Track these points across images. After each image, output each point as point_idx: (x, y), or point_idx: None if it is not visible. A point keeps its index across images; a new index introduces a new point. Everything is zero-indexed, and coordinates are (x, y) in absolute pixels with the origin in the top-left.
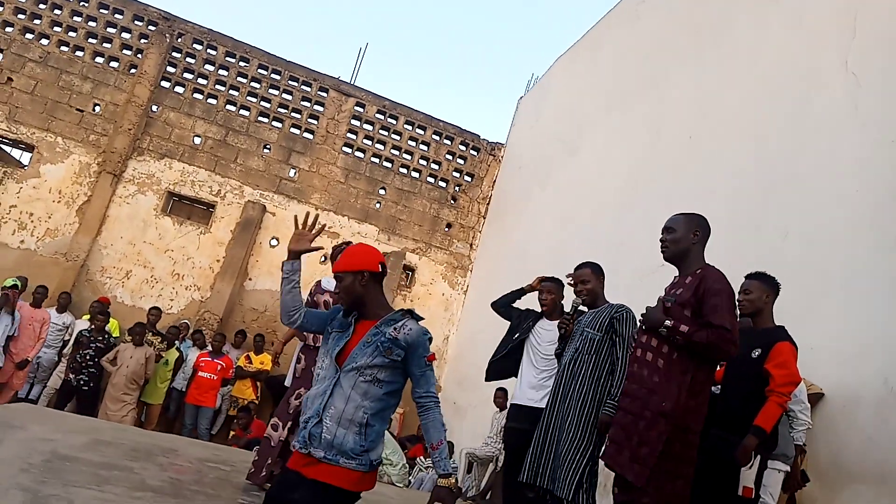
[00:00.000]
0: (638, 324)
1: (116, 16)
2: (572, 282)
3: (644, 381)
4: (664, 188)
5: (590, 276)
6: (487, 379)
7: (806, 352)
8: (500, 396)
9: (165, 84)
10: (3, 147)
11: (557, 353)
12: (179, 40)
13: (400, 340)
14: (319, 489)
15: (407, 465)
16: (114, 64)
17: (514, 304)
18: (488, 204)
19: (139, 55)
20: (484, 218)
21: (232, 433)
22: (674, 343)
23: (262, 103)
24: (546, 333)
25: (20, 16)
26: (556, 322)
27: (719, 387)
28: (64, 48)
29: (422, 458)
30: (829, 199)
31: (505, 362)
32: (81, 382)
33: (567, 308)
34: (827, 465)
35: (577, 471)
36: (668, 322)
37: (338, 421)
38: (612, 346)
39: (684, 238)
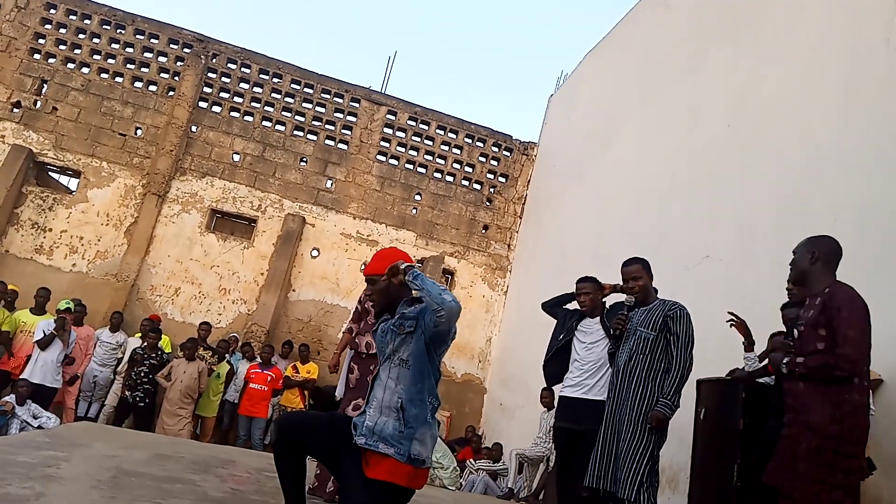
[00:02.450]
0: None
1: (152, 40)
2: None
3: (797, 395)
4: (706, 176)
5: (640, 272)
6: (548, 384)
7: None
8: (547, 396)
9: (203, 104)
10: (52, 174)
11: (611, 352)
12: (214, 61)
13: (408, 314)
14: (372, 485)
15: (458, 468)
16: (152, 88)
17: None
18: (524, 204)
19: (176, 78)
20: (520, 218)
21: None
22: (797, 376)
23: (297, 117)
24: (588, 333)
25: (61, 47)
26: (598, 319)
27: (773, 377)
28: (104, 75)
29: (471, 460)
30: (878, 180)
31: (558, 364)
32: (137, 399)
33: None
34: (891, 452)
35: (638, 471)
36: (784, 360)
37: (379, 409)
38: (666, 344)
39: (802, 260)
